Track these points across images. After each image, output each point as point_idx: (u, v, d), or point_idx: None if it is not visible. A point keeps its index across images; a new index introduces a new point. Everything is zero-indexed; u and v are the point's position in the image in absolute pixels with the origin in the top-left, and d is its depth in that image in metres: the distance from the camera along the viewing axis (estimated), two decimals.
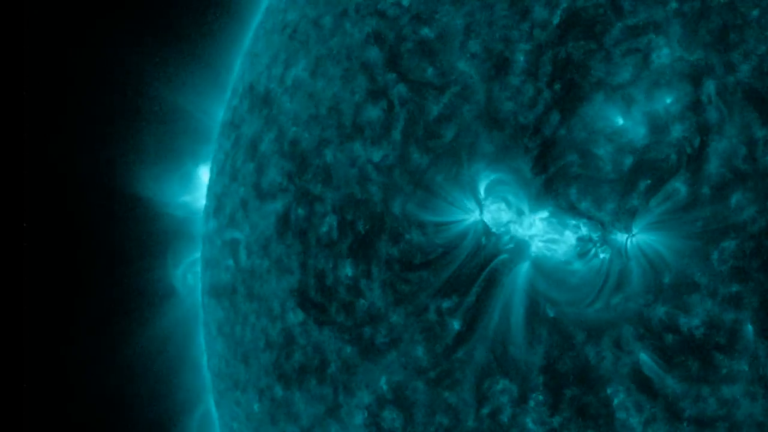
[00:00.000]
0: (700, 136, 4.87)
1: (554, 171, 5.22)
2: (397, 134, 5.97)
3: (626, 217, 5.01)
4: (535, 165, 5.28)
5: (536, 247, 5.33)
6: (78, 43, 9.67)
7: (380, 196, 6.00)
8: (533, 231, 5.32)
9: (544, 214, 5.26)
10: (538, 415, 5.24)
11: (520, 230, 5.38)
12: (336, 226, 6.28)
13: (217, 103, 9.25)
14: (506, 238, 5.43)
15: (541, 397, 5.23)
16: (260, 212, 7.20)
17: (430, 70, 5.91)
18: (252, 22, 8.96)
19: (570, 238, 5.19)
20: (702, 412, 4.83)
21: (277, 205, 6.92)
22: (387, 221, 5.92)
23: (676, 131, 4.93)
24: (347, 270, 6.16)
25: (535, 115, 5.33)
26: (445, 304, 5.60)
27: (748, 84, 4.83)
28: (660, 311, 4.88)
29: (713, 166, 4.82)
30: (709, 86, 4.91)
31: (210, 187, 8.68)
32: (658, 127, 4.98)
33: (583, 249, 5.15)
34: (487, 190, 5.51)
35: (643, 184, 4.97)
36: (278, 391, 6.97)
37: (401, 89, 6.03)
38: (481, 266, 5.49)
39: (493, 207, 5.49)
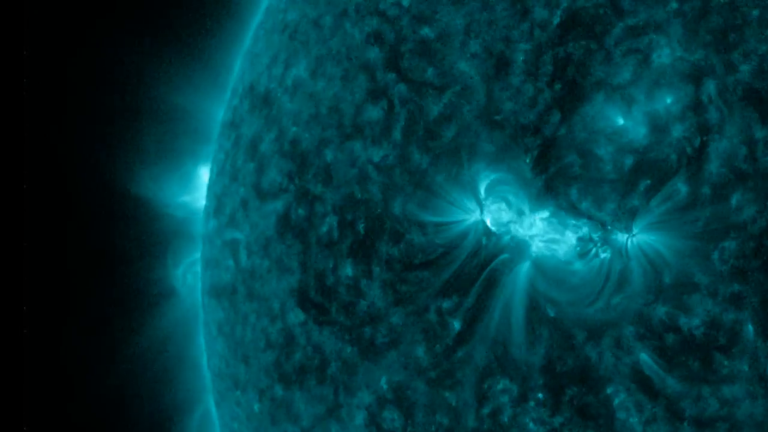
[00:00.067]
0: (701, 136, 4.87)
1: (555, 171, 5.22)
2: (397, 134, 5.97)
3: (627, 217, 5.01)
4: (536, 165, 5.29)
5: (537, 247, 5.33)
6: (78, 43, 9.67)
7: (380, 196, 6.00)
8: (534, 231, 5.32)
9: (545, 214, 5.26)
10: (538, 415, 5.25)
11: (521, 230, 5.38)
12: (336, 226, 6.28)
13: (217, 103, 9.24)
14: (507, 238, 5.43)
15: (541, 397, 5.23)
16: (260, 212, 7.20)
17: (430, 70, 5.92)
18: (252, 22, 8.95)
19: (570, 238, 5.19)
20: (702, 412, 4.83)
21: (278, 205, 6.92)
22: (387, 221, 5.93)
23: (677, 131, 4.93)
24: (347, 270, 6.16)
25: (536, 115, 5.33)
26: (446, 304, 5.60)
27: (749, 84, 4.83)
28: (660, 311, 4.88)
29: (714, 166, 4.82)
30: (710, 86, 4.91)
31: (210, 187, 8.68)
32: (658, 127, 4.98)
33: (583, 249, 5.15)
34: (488, 190, 5.51)
35: (644, 184, 4.97)
36: (278, 391, 6.97)
37: (401, 89, 6.04)
38: (481, 266, 5.49)
39: (494, 207, 5.49)
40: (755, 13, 4.91)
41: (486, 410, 5.45)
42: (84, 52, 9.70)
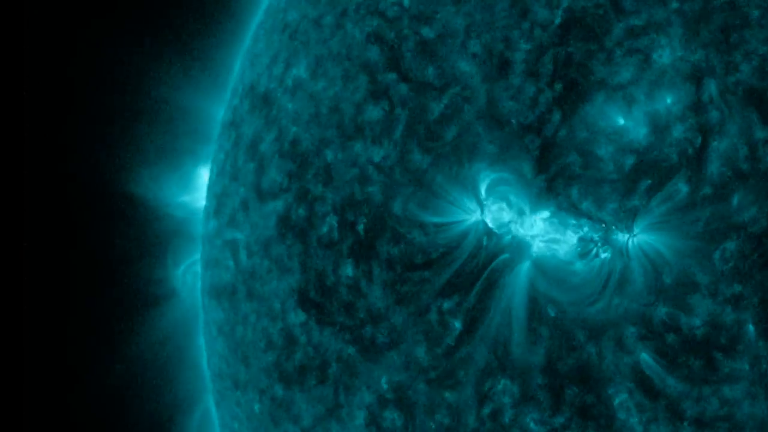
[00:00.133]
0: (702, 136, 4.87)
1: (555, 171, 5.22)
2: (397, 134, 5.97)
3: (627, 217, 5.01)
4: (537, 165, 5.29)
5: (537, 247, 5.33)
6: (78, 43, 9.66)
7: (381, 197, 5.99)
8: (534, 231, 5.32)
9: (546, 214, 5.26)
10: (539, 415, 5.24)
11: (522, 230, 5.38)
12: (337, 227, 6.28)
13: (217, 103, 9.23)
14: (507, 238, 5.43)
15: (542, 397, 5.23)
16: (261, 212, 7.19)
17: (430, 70, 5.91)
18: (252, 22, 8.94)
19: (571, 238, 5.19)
20: (703, 413, 4.83)
21: (278, 205, 6.92)
22: (388, 221, 5.92)
23: (678, 131, 4.93)
24: (348, 270, 6.16)
25: (536, 115, 5.33)
26: (446, 304, 5.60)
27: (749, 84, 4.83)
28: (661, 311, 4.88)
29: (714, 166, 4.82)
30: (711, 86, 4.91)
31: (210, 187, 8.67)
32: (659, 127, 4.98)
33: (584, 249, 5.15)
34: (488, 190, 5.51)
35: (645, 184, 4.97)
36: (279, 391, 6.97)
37: (402, 89, 6.03)
38: (482, 266, 5.49)
39: (494, 207, 5.49)
40: (756, 13, 4.91)
41: (487, 410, 5.44)
42: (84, 52, 9.69)
